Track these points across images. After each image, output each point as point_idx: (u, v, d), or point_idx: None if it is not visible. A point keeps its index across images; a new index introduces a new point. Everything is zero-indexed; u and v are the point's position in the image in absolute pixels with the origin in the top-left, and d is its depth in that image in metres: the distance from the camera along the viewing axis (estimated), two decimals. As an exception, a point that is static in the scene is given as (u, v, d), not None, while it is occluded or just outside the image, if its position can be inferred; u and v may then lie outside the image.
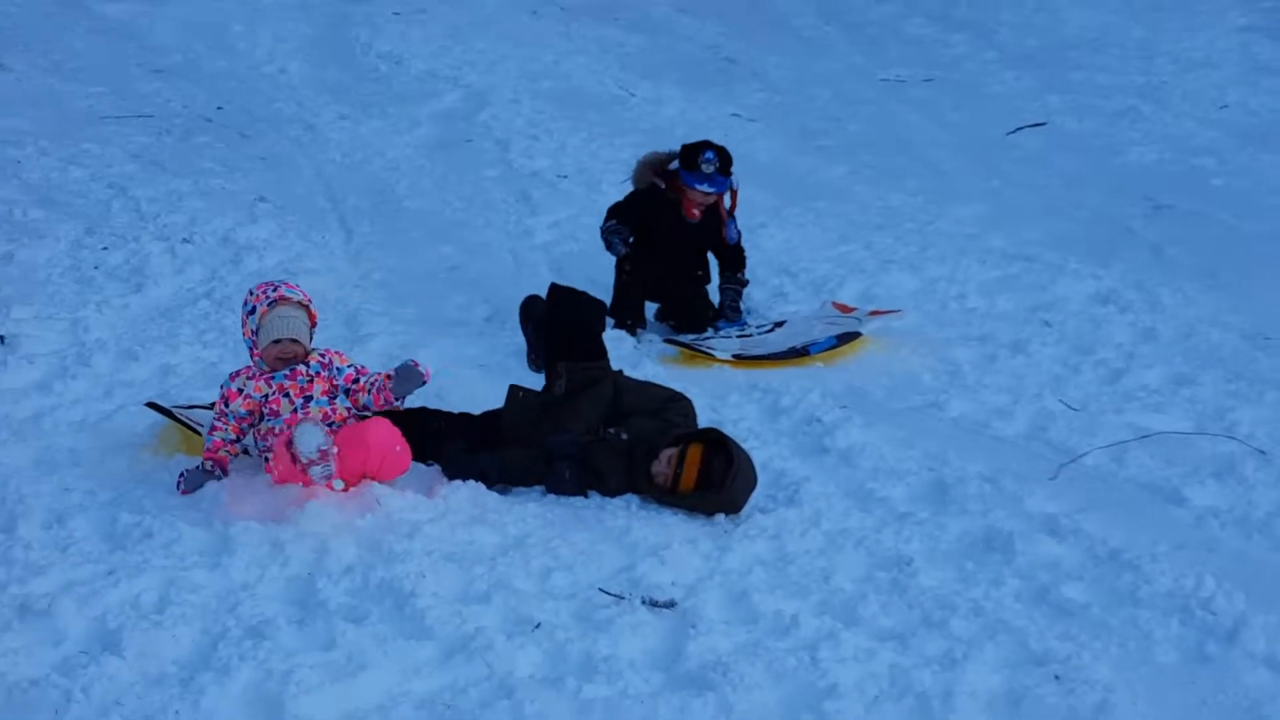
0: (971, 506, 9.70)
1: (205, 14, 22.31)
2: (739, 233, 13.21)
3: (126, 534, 8.93)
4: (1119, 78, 20.40)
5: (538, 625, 8.06)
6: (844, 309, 13.08)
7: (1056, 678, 7.67)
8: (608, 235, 12.89)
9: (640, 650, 7.93)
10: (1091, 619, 8.35)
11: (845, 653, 7.85)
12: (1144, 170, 17.25)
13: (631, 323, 12.94)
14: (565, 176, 16.63)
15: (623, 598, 8.41)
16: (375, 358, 11.62)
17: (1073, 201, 16.55)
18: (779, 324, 13.05)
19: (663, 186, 12.94)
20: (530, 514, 9.46)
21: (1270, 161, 17.07)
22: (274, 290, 9.57)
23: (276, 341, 9.49)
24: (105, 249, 13.94)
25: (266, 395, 9.52)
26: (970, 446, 10.79)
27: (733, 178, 12.99)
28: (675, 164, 12.91)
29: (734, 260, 13.29)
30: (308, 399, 9.56)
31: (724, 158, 12.89)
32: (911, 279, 14.30)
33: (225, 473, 9.56)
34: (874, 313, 12.74)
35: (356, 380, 9.66)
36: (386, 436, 9.34)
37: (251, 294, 9.64)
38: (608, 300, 12.52)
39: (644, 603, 8.39)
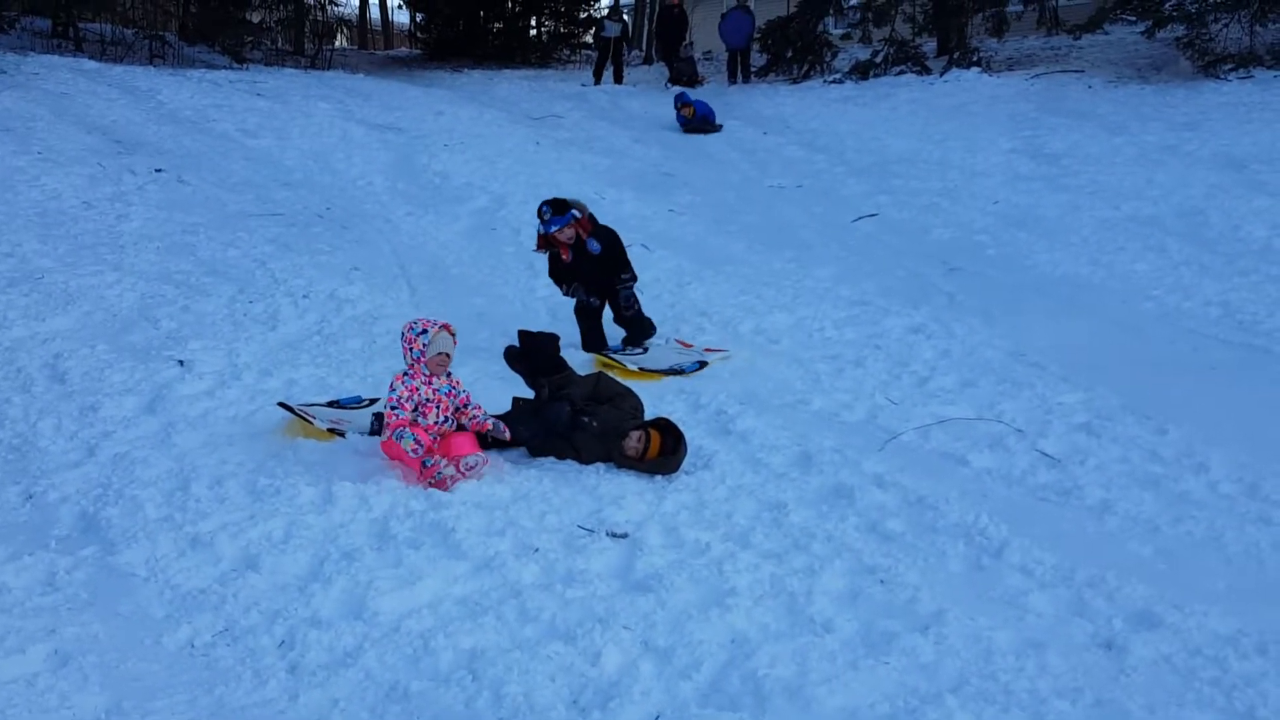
0: (826, 469, 9.83)
1: (318, 146, 22.48)
2: (600, 245, 13.26)
3: (263, 491, 9.01)
4: (926, 183, 20.68)
5: (536, 550, 8.20)
6: (684, 344, 13.30)
7: (881, 582, 7.90)
8: (574, 294, 13.41)
9: (605, 566, 8.10)
10: (906, 543, 8.57)
11: (741, 566, 8.05)
12: (943, 244, 17.52)
13: (600, 349, 13.12)
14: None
15: (593, 531, 8.55)
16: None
17: (895, 265, 16.74)
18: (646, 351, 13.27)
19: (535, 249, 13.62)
20: (532, 477, 9.56)
21: (1025, 237, 17.45)
22: (438, 322, 9.70)
23: (442, 353, 9.59)
24: (251, 302, 14.02)
25: (427, 399, 9.54)
26: (826, 429, 10.94)
27: (572, 212, 13.15)
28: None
29: (616, 266, 13.42)
30: (446, 417, 9.70)
31: (555, 204, 13.13)
32: (787, 317, 14.43)
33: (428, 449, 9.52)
34: (708, 350, 12.91)
35: (466, 405, 9.83)
36: (472, 447, 9.57)
37: (420, 321, 9.77)
38: (568, 333, 12.91)
39: (607, 534, 8.53)
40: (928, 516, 9.01)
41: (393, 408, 9.49)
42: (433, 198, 19.90)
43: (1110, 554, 8.51)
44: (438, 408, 9.61)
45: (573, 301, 13.66)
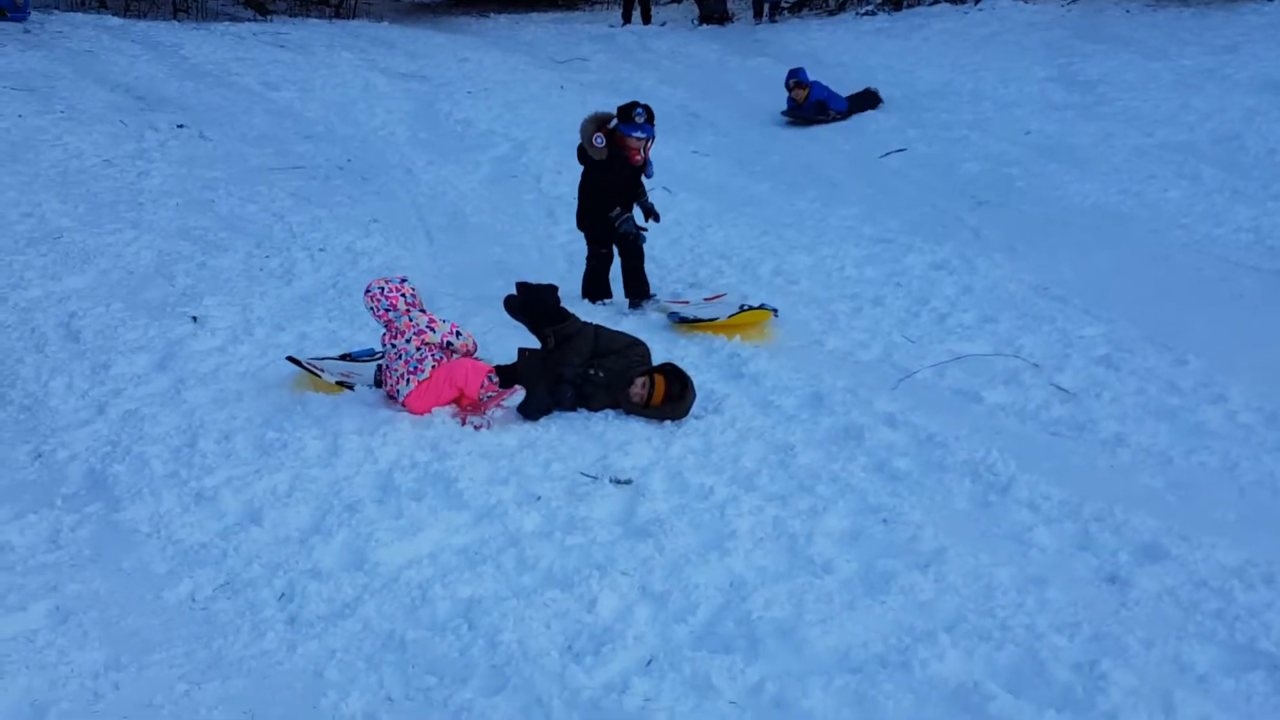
0: (837, 409, 9.90)
1: (341, 96, 22.47)
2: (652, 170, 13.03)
3: (270, 445, 9.19)
4: (957, 115, 20.40)
5: (538, 498, 8.33)
6: (712, 298, 13.06)
7: (884, 521, 8.00)
8: (624, 225, 12.74)
9: (607, 513, 8.24)
10: (912, 482, 8.66)
11: (743, 509, 8.15)
12: (972, 178, 17.30)
13: (601, 298, 13.00)
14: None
15: (596, 478, 8.66)
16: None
17: (921, 201, 16.67)
18: (711, 298, 12.98)
19: (602, 144, 12.73)
20: (540, 425, 9.72)
21: (1055, 168, 17.19)
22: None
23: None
24: (267, 257, 14.17)
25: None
26: (840, 369, 10.98)
27: (653, 127, 12.77)
28: (614, 122, 12.70)
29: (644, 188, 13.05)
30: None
31: (649, 111, 12.69)
32: (807, 258, 14.37)
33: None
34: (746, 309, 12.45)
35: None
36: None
37: (380, 281, 10.12)
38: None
39: (611, 481, 8.64)
40: (936, 454, 9.07)
41: (429, 328, 9.86)
42: (454, 146, 19.91)
43: (1120, 487, 8.57)
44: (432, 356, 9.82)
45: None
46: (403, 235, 15.31)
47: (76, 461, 9.12)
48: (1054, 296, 12.67)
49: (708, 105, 22.66)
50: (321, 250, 14.42)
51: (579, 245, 14.45)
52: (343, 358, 11.07)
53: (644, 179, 12.86)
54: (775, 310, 12.15)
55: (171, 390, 10.43)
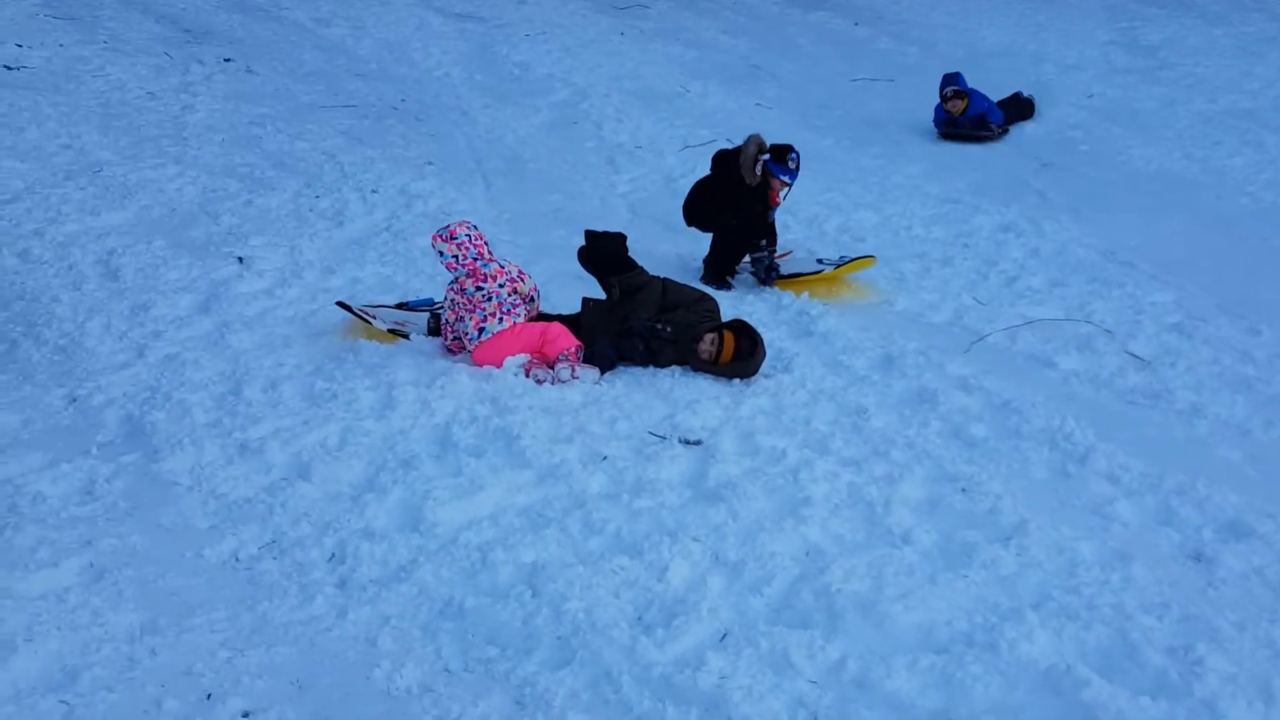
0: (909, 371, 9.69)
1: (394, 35, 22.00)
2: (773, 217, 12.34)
3: (320, 395, 8.84)
4: (1018, 76, 20.04)
5: (604, 458, 7.97)
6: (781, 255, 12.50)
7: (963, 490, 7.74)
8: (764, 272, 12.11)
9: (676, 474, 7.91)
10: (989, 449, 8.45)
11: (818, 474, 7.84)
12: (1036, 140, 17.30)
13: (729, 277, 12.18)
14: (640, 147, 16.41)
15: (665, 438, 8.32)
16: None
17: (986, 162, 16.50)
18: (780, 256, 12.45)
19: (760, 173, 11.93)
20: (604, 381, 9.36)
21: (1119, 132, 17.21)
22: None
23: None
24: (317, 197, 13.75)
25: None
26: (910, 330, 10.78)
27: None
28: (766, 156, 11.99)
29: (772, 237, 12.30)
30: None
31: (799, 159, 12.10)
32: (874, 216, 14.10)
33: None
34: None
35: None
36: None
37: (453, 227, 9.74)
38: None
39: (680, 441, 8.29)
40: (1012, 421, 8.85)
41: (520, 277, 9.76)
42: (512, 90, 19.50)
43: (1200, 460, 8.41)
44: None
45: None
46: (459, 179, 14.92)
47: (113, 407, 8.73)
48: (1122, 261, 12.55)
49: (770, 57, 22.22)
50: (374, 192, 13.98)
51: (641, 194, 14.32)
52: (399, 306, 10.71)
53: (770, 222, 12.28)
54: (875, 258, 12.01)
55: (215, 334, 10.06)
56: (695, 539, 7.03)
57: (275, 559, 6.92)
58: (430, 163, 15.49)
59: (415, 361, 9.40)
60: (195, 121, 16.43)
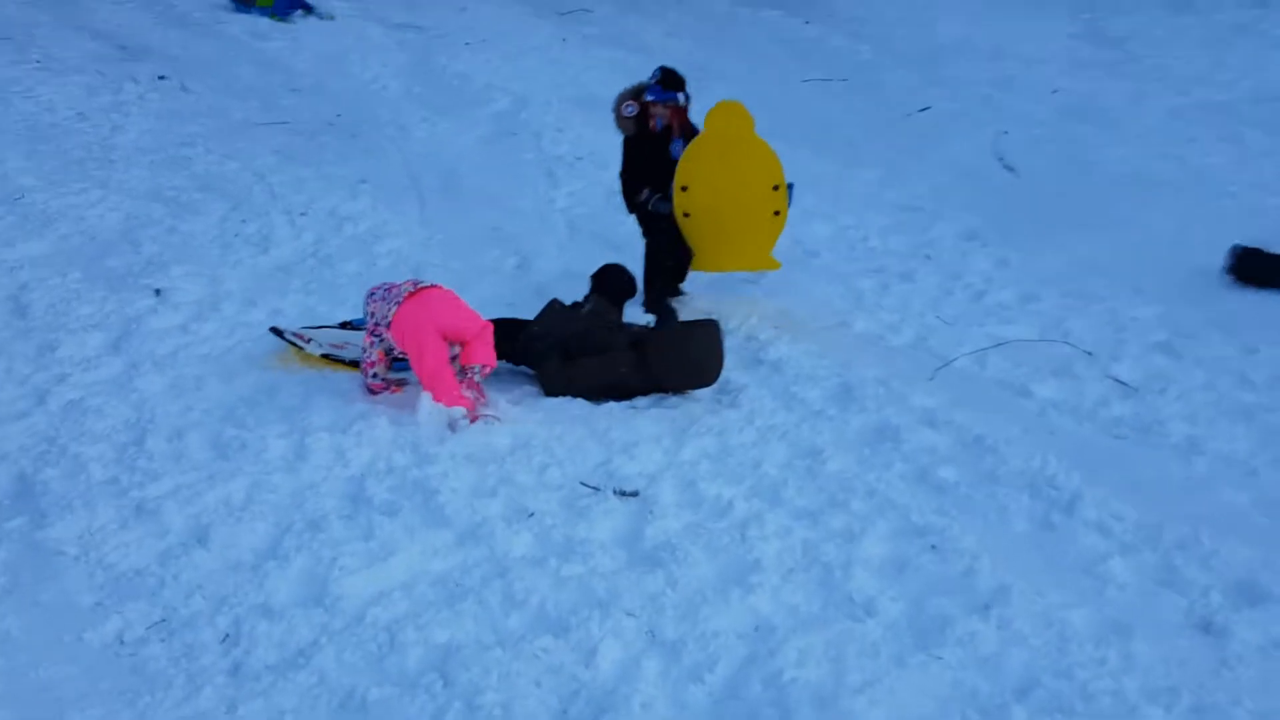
0: (869, 404, 8.86)
1: (333, 48, 21.24)
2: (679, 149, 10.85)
3: (228, 445, 8.09)
4: (979, 73, 19.40)
5: (531, 514, 7.23)
6: None
7: (933, 547, 6.92)
8: (653, 205, 10.77)
9: (609, 532, 7.14)
10: (960, 496, 7.58)
11: (768, 530, 7.08)
12: (999, 140, 16.22)
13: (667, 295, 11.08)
14: (581, 158, 15.69)
15: (598, 489, 7.55)
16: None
17: (947, 165, 15.54)
18: None
19: (633, 113, 10.71)
20: (537, 421, 8.54)
21: (1088, 130, 16.24)
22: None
23: None
24: (244, 221, 13.00)
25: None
26: (870, 355, 9.90)
27: (680, 96, 10.72)
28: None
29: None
30: None
31: (668, 73, 10.76)
32: (828, 227, 13.29)
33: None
34: None
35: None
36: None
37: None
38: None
39: (615, 493, 7.52)
40: (986, 462, 7.99)
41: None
42: (451, 101, 18.74)
43: (1201, 505, 7.49)
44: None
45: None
46: (393, 197, 14.14)
47: (5, 463, 7.91)
48: (1099, 271, 11.59)
49: (717, 59, 21.43)
50: (303, 215, 13.21)
51: (581, 210, 13.61)
52: (343, 325, 9.94)
53: (671, 157, 10.83)
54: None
55: (123, 376, 9.26)
56: (629, 613, 6.28)
57: (163, 641, 6.16)
58: (364, 181, 14.69)
59: (333, 404, 8.64)
60: (124, 143, 15.64)
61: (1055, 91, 18.22)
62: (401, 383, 8.97)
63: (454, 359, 8.77)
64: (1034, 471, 7.77)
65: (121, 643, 6.14)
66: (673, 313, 10.25)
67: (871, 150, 16.41)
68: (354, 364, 9.32)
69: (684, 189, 10.47)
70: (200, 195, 13.81)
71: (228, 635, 6.16)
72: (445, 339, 8.61)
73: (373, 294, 8.83)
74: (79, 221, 12.67)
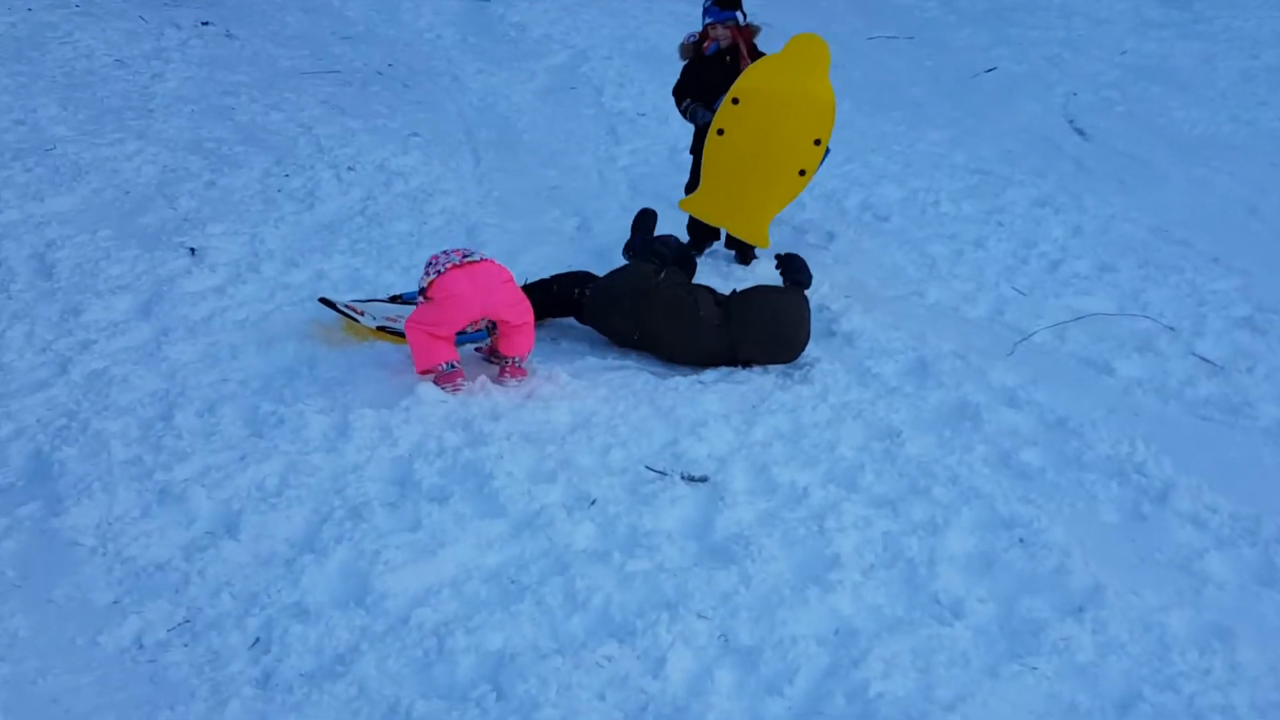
0: (947, 380, 8.35)
1: (384, -5, 20.61)
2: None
3: (264, 421, 7.53)
4: (1047, 33, 19.08)
5: (593, 501, 6.66)
6: None
7: (1021, 541, 6.40)
8: (690, 112, 10.44)
9: (678, 522, 6.61)
10: (1047, 483, 7.08)
11: (846, 521, 6.56)
12: (1068, 101, 15.92)
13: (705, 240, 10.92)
14: (643, 115, 15.19)
15: (665, 474, 6.99)
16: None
17: (1016, 126, 15.12)
18: None
19: (693, 40, 10.41)
20: (600, 398, 7.97)
21: (1158, 91, 15.95)
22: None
23: None
24: (287, 176, 12.47)
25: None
26: (945, 327, 9.38)
27: (738, 15, 10.29)
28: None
29: None
30: None
31: None
32: (898, 190, 12.73)
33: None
34: None
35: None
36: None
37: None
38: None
39: (682, 478, 6.97)
40: (1071, 446, 7.48)
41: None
42: (508, 53, 18.24)
43: (1300, 494, 6.97)
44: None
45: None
46: (445, 152, 13.61)
47: (20, 440, 7.36)
48: (1176, 240, 11.12)
49: (782, 14, 20.54)
50: (350, 169, 12.66)
51: (643, 169, 13.11)
52: (393, 299, 9.46)
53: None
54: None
55: (152, 343, 8.72)
56: (700, 615, 5.74)
57: (186, 645, 5.62)
58: (415, 134, 14.17)
59: (380, 376, 8.11)
60: (164, 91, 15.15)
61: (1124, 52, 17.88)
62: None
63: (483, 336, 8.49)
64: (1122, 457, 7.29)
65: (140, 647, 5.62)
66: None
67: (939, 110, 15.92)
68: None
69: (735, 101, 9.93)
70: (242, 148, 13.28)
71: (258, 639, 5.63)
72: (480, 317, 8.15)
73: (430, 264, 8.23)
74: (112, 175, 12.15)
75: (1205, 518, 6.66)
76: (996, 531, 6.50)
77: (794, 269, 9.24)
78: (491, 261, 8.21)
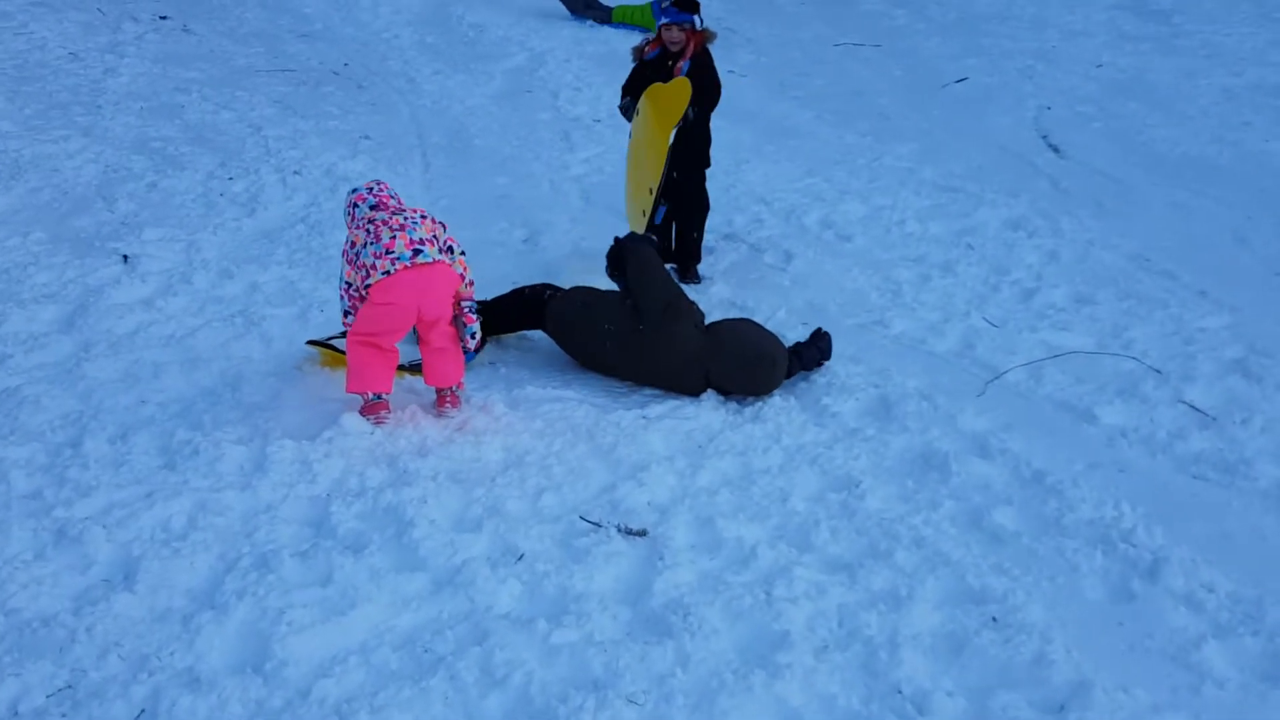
0: (911, 423, 7.56)
1: (344, -7, 19.97)
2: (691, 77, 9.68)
3: (178, 450, 6.86)
4: (1019, 43, 18.58)
5: (521, 556, 5.96)
6: None
7: (994, 620, 5.62)
8: (624, 110, 9.99)
9: (611, 583, 5.89)
10: (1022, 549, 6.28)
11: (798, 588, 5.79)
12: (1041, 115, 15.35)
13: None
14: (599, 120, 14.59)
15: (600, 525, 6.28)
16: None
17: (987, 141, 14.48)
18: None
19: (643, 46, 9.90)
20: (536, 431, 7.29)
21: (1136, 108, 15.28)
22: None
23: None
24: (231, 179, 11.82)
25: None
26: (910, 362, 8.60)
27: (695, 19, 9.70)
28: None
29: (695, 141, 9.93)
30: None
31: None
32: (861, 207, 12.02)
33: None
34: None
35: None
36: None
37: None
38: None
39: (618, 530, 6.25)
40: (1050, 506, 6.67)
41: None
42: (465, 54, 17.64)
43: (1306, 570, 6.20)
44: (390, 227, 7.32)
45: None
46: (395, 157, 12.98)
47: (-88, 469, 6.64)
48: (1158, 270, 10.32)
49: (745, 20, 20.38)
50: (296, 173, 12.01)
51: (597, 178, 12.49)
52: None
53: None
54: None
55: (72, 359, 8.02)
56: (630, 699, 5.04)
57: (64, 716, 4.92)
58: (366, 137, 13.54)
59: (306, 401, 7.47)
60: (115, 87, 14.49)
61: (1100, 66, 17.26)
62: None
63: None
64: (1107, 522, 6.47)
65: (15, 715, 4.92)
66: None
67: (907, 122, 15.24)
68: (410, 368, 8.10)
69: (637, 112, 9.85)
70: (189, 148, 12.61)
71: (143, 711, 4.94)
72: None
73: (365, 217, 7.42)
74: (52, 174, 11.48)
75: (1201, 598, 5.88)
76: (966, 607, 5.76)
77: (816, 338, 8.50)
78: (443, 264, 7.42)
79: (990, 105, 15.76)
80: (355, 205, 7.45)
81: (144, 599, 5.55)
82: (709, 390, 7.95)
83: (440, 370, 7.51)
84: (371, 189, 7.54)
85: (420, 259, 7.18)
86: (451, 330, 7.52)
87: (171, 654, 5.22)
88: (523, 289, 8.63)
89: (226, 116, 13.83)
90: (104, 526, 6.03)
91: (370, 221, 7.26)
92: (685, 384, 8.01)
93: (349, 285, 7.31)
